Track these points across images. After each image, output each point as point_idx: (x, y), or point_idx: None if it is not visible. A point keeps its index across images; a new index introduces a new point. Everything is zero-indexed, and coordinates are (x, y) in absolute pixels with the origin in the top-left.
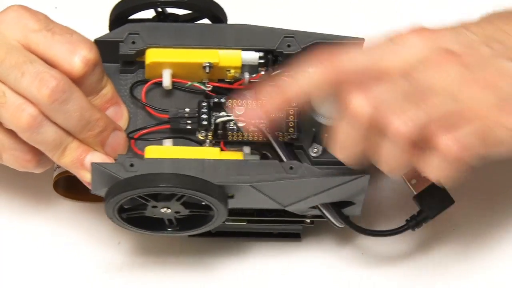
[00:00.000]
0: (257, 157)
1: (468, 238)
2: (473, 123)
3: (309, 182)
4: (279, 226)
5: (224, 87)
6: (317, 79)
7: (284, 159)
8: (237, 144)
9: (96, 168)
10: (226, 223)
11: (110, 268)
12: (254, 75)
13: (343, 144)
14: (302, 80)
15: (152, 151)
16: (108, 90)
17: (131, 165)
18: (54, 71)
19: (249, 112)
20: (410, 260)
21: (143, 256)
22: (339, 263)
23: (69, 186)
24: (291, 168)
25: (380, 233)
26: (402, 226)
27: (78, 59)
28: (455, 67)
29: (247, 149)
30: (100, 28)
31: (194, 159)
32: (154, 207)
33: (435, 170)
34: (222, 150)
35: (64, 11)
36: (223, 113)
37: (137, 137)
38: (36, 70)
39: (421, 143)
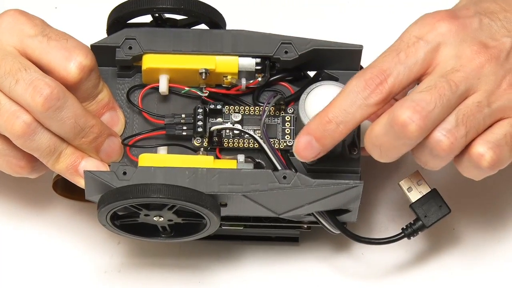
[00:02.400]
0: (251, 165)
1: (468, 240)
2: (504, 127)
3: (302, 191)
4: (276, 231)
5: (221, 92)
6: (370, 109)
7: (278, 168)
8: (232, 151)
9: (89, 176)
10: (224, 227)
11: (109, 268)
12: (251, 81)
13: (387, 152)
14: (357, 114)
15: (146, 159)
16: (104, 95)
17: (124, 173)
18: (49, 78)
19: (304, 147)
20: (407, 266)
21: (142, 257)
22: (336, 267)
23: (68, 186)
24: (284, 177)
25: (376, 241)
26: (397, 235)
27: (74, 65)
28: (490, 64)
29: (241, 157)
30: (99, 27)
31: (187, 168)
32: (147, 215)
33: (468, 173)
34: (217, 157)
35: (64, 11)
36: (219, 120)
37: (132, 143)
38: (30, 77)
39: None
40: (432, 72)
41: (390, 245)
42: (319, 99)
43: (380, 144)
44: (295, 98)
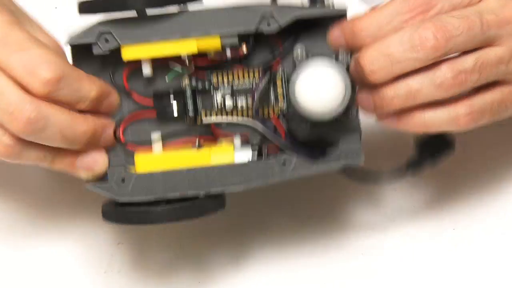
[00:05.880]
0: (248, 149)
1: (468, 240)
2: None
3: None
4: None
5: (208, 64)
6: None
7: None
8: (226, 127)
9: (90, 188)
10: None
11: (109, 268)
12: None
13: (392, 65)
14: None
15: (142, 162)
16: (91, 89)
17: (123, 180)
18: (25, 102)
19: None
20: (406, 266)
21: (142, 257)
22: (336, 267)
23: None
24: (283, 163)
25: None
26: (399, 168)
27: (38, 81)
28: None
29: (237, 141)
30: None
31: (186, 172)
32: None
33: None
34: (211, 133)
35: (64, 11)
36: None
37: (123, 128)
38: (7, 101)
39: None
40: (471, 5)
41: (389, 245)
42: (312, 84)
43: (390, 53)
44: (285, 54)
